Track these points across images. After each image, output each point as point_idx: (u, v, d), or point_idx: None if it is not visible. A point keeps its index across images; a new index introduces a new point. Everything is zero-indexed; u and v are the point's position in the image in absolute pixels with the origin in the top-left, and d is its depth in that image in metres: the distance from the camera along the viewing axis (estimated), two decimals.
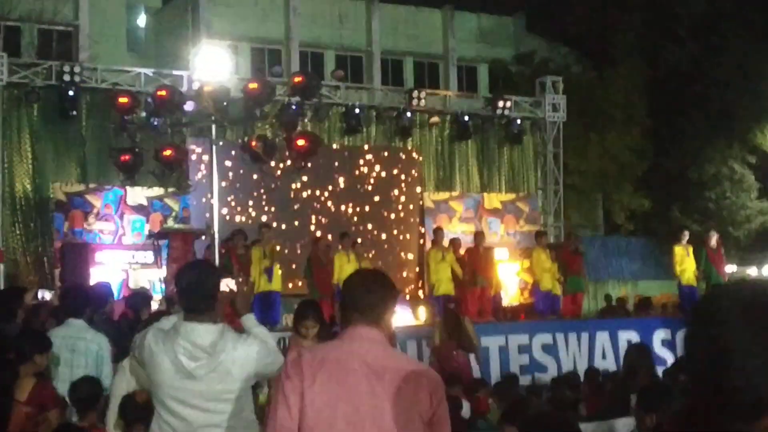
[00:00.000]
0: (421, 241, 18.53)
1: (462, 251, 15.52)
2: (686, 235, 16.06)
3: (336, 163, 18.17)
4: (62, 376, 5.97)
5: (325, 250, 14.90)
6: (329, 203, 18.10)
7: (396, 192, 18.66)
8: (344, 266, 14.61)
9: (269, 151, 10.18)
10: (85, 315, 6.46)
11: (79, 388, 5.48)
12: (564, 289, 15.22)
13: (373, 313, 3.23)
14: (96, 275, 15.14)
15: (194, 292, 4.06)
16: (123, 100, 11.41)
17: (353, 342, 3.20)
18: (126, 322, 8.33)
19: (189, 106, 12.78)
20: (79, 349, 6.19)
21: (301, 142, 10.16)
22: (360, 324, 3.21)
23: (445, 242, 15.50)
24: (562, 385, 9.34)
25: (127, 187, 16.36)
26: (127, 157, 11.06)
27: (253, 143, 10.19)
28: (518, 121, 19.61)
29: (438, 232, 15.64)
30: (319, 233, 17.08)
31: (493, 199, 20.12)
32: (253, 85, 10.32)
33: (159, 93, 10.61)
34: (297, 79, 10.31)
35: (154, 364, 4.01)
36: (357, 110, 18.09)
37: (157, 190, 16.63)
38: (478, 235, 15.90)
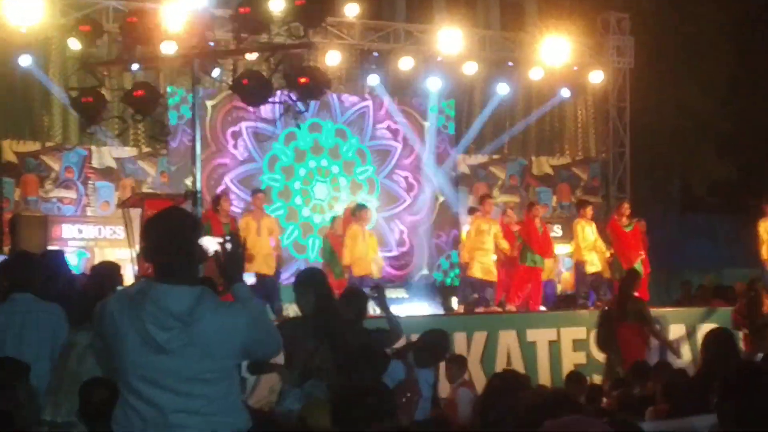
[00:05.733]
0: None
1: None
2: None
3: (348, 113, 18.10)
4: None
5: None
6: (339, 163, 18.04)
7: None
8: (358, 244, 14.74)
9: (264, 91, 10.11)
10: (32, 288, 6.64)
11: None
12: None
13: None
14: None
15: (167, 247, 4.02)
16: (84, 28, 11.39)
17: None
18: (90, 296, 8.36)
19: (167, 47, 12.75)
20: (29, 325, 6.41)
21: (303, 80, 10.08)
22: None
23: None
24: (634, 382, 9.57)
25: (93, 147, 16.34)
26: (89, 99, 11.01)
27: (245, 81, 10.12)
28: (574, 68, 19.38)
29: (485, 199, 15.75)
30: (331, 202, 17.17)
31: (543, 164, 19.96)
32: (245, 9, 10.25)
33: (129, 20, 10.58)
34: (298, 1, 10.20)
35: (118, 337, 3.96)
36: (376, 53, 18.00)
37: (129, 150, 16.60)
38: (532, 206, 15.92)
